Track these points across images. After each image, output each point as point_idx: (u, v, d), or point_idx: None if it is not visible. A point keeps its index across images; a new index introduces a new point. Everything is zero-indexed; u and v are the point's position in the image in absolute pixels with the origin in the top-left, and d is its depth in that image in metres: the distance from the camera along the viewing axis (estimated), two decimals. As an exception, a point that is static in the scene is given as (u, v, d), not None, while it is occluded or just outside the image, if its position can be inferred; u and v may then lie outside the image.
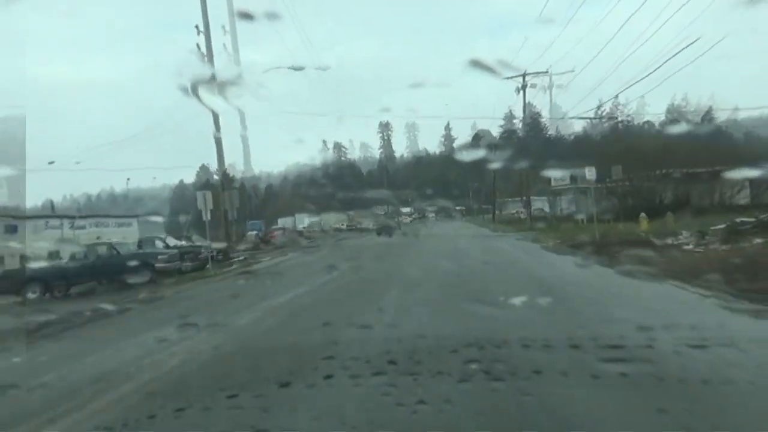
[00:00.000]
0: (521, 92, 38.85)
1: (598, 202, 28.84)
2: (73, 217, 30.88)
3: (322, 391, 4.53)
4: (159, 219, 36.22)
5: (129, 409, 4.41)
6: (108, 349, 7.23)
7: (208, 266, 19.95)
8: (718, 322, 6.31)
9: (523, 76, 38.18)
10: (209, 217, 20.78)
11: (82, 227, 29.59)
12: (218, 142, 25.70)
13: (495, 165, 45.08)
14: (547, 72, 38.41)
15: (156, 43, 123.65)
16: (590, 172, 21.11)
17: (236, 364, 5.85)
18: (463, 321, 7.10)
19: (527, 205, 40.06)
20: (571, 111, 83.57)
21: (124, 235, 25.45)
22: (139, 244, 21.09)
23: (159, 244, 21.93)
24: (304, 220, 58.43)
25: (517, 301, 8.17)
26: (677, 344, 5.13)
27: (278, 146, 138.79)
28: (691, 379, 4.22)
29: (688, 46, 20.07)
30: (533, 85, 38.79)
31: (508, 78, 37.17)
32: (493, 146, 60.00)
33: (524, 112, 41.19)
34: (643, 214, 22.75)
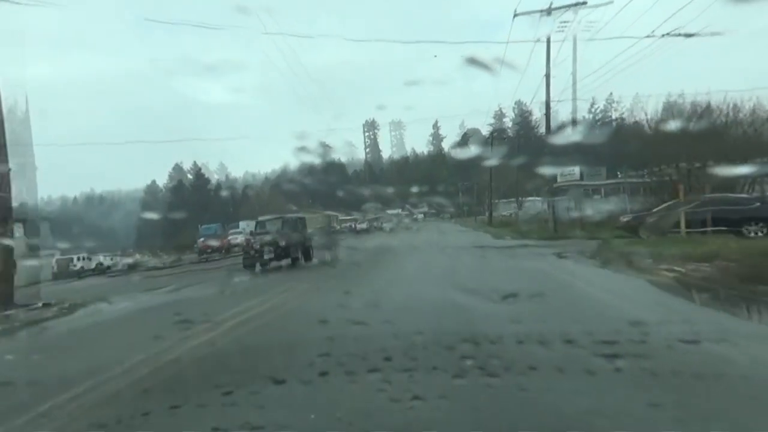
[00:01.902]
0: (542, 40, 28.23)
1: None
2: None
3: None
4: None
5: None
6: None
7: None
8: None
9: (549, 11, 27.61)
10: None
11: None
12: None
13: (491, 162, 42.44)
14: (585, 2, 27.19)
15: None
16: None
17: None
18: None
19: (549, 205, 32.73)
20: (600, 69, 77.77)
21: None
22: None
23: None
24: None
25: None
26: None
27: (269, 148, 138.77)
28: None
29: (672, 32, 20.35)
30: (563, 24, 27.26)
31: (521, 14, 28.02)
32: (491, 140, 60.27)
33: (547, 65, 28.62)
34: None
